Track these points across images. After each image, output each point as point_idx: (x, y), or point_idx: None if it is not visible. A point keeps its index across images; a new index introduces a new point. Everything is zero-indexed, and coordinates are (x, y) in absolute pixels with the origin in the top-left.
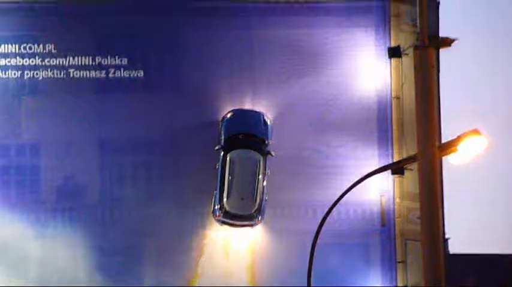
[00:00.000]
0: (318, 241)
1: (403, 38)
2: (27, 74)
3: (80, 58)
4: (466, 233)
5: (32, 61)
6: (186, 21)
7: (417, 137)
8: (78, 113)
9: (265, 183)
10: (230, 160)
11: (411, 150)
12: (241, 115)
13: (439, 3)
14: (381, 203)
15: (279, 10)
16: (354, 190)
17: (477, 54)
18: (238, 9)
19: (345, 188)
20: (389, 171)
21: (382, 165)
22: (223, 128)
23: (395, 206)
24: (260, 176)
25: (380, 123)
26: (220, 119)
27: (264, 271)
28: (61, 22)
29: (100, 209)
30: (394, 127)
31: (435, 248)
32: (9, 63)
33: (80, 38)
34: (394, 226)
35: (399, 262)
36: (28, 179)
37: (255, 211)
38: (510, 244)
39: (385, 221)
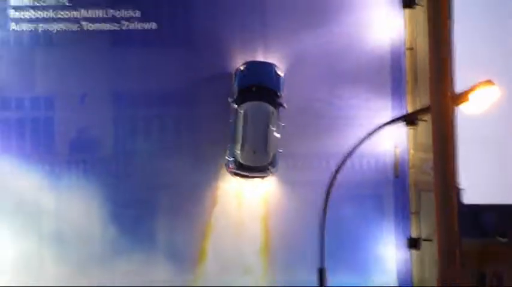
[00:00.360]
0: (331, 192)
1: None
2: (42, 27)
3: (93, 11)
4: (482, 183)
5: (46, 14)
6: None
7: (430, 88)
8: (91, 66)
9: (278, 135)
10: (243, 112)
11: (425, 101)
12: (253, 67)
13: None
14: (395, 154)
15: None
16: (367, 141)
17: (492, 3)
18: None
19: (358, 139)
20: (402, 122)
21: (396, 116)
22: (236, 80)
23: (409, 157)
24: (273, 128)
25: (393, 74)
26: (233, 71)
27: (277, 222)
28: None
29: (114, 161)
30: (408, 78)
31: (448, 199)
32: (23, 16)
33: None
34: (408, 177)
35: (413, 213)
36: (42, 131)
37: (268, 163)
38: None
39: (399, 172)
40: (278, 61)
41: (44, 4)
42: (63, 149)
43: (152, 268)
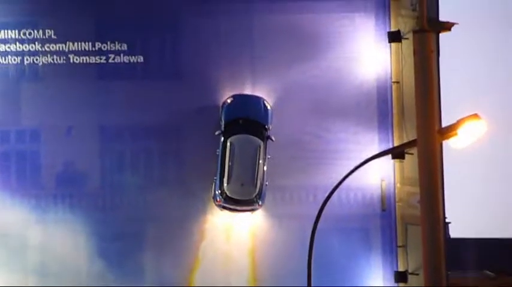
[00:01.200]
0: (319, 226)
1: (403, 23)
2: (27, 59)
3: (79, 44)
4: (467, 218)
5: (32, 47)
6: (186, 7)
7: (417, 121)
8: (78, 99)
9: (265, 168)
10: (230, 144)
11: (411, 135)
12: (241, 100)
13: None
14: (381, 188)
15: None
16: (354, 174)
17: (478, 37)
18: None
19: (346, 173)
20: (389, 155)
21: (383, 150)
22: (223, 113)
23: (396, 191)
24: (260, 161)
25: (380, 108)
26: (221, 104)
27: (265, 255)
28: (61, 7)
29: (100, 195)
30: (394, 112)
31: (435, 233)
32: (8, 49)
33: (80, 24)
34: (395, 211)
35: (400, 246)
36: (28, 165)
37: (255, 196)
38: None
39: (386, 206)
40: (266, 94)
41: (30, 37)
42: (49, 183)
43: None
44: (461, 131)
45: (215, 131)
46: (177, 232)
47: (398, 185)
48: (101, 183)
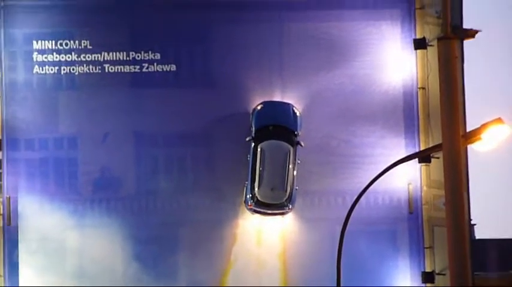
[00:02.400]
0: (347, 228)
1: (428, 30)
2: (64, 69)
3: (114, 54)
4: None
5: (69, 57)
6: (217, 16)
7: (442, 126)
8: (113, 106)
9: (295, 173)
10: (261, 150)
11: (437, 139)
12: (271, 107)
13: (462, 16)
14: (408, 191)
15: (308, 4)
16: (381, 178)
17: (503, 43)
18: (268, 3)
19: (373, 177)
20: (416, 159)
21: (409, 154)
22: (253, 119)
23: (422, 194)
24: (290, 166)
25: (406, 113)
26: (251, 111)
27: (295, 258)
28: (96, 18)
29: (135, 199)
30: (420, 117)
31: (461, 234)
32: (46, 60)
33: (114, 34)
34: (422, 213)
35: (427, 248)
36: (66, 171)
37: (285, 200)
38: None
39: (413, 208)
40: (295, 101)
41: (67, 48)
42: (86, 188)
43: None
44: (485, 135)
45: (246, 137)
46: (210, 236)
47: (424, 188)
48: (136, 188)
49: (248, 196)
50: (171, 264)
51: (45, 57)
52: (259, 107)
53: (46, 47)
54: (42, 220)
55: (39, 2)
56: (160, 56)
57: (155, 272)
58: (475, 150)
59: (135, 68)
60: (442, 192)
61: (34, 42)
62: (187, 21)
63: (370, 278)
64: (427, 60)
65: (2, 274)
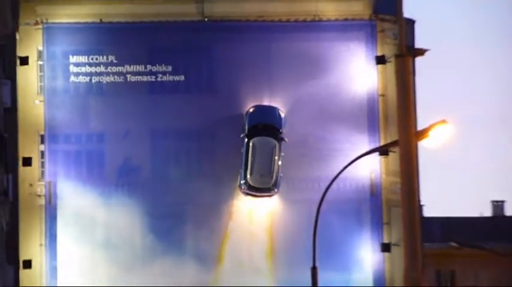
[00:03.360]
0: (322, 208)
1: (387, 49)
2: (94, 79)
3: (134, 66)
4: (438, 201)
5: (98, 69)
6: (218, 37)
7: (398, 126)
8: (133, 109)
9: (280, 163)
10: (252, 145)
11: (394, 136)
12: (260, 110)
13: (414, 21)
14: (371, 178)
15: (291, 27)
16: (349, 167)
17: (449, 59)
18: (259, 27)
19: (342, 166)
20: (377, 153)
21: (371, 148)
22: (246, 119)
23: (382, 180)
24: (276, 157)
25: (369, 115)
26: (245, 113)
27: (280, 232)
28: (120, 38)
29: (151, 184)
30: (381, 118)
31: (412, 213)
32: (80, 71)
33: (135, 51)
34: (381, 196)
35: (385, 223)
36: (95, 160)
37: (272, 185)
38: (473, 208)
39: (374, 192)
40: (281, 105)
41: (97, 61)
42: (111, 174)
43: (181, 268)
44: (432, 133)
45: (240, 134)
46: (211, 213)
47: (384, 176)
48: (152, 174)
49: (242, 182)
50: (180, 236)
51: (79, 69)
52: (251, 110)
53: (80, 61)
54: (76, 200)
55: (74, 24)
56: (172, 68)
57: (167, 242)
58: (425, 145)
59: (151, 78)
60: (398, 179)
61: (70, 56)
62: (194, 41)
63: (339, 247)
64: (386, 73)
65: (43, 243)
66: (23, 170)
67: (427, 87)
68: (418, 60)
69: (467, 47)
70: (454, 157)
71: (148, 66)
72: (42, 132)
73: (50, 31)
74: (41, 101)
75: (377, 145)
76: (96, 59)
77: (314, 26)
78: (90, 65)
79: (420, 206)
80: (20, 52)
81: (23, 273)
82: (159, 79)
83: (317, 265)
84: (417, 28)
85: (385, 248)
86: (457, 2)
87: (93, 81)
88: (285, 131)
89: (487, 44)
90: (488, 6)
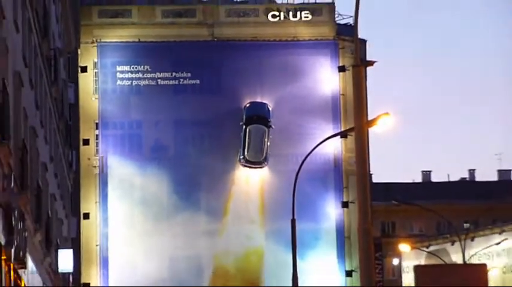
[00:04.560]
0: (299, 176)
1: (346, 61)
2: (134, 82)
3: (163, 73)
4: (381, 170)
5: (136, 75)
6: (224, 52)
7: (354, 116)
8: (162, 104)
9: (268, 143)
10: (248, 130)
11: (351, 124)
12: (254, 105)
13: (366, 41)
14: (334, 154)
15: (276, 45)
16: (319, 147)
17: (393, 68)
18: (253, 45)
19: (314, 146)
20: (339, 136)
21: (335, 133)
22: (244, 112)
23: (342, 156)
24: (265, 139)
25: (333, 109)
26: (243, 107)
27: (268, 193)
28: (153, 53)
29: (175, 159)
30: (342, 111)
31: (364, 180)
32: (124, 76)
33: (163, 62)
34: (342, 167)
35: (345, 187)
36: (135, 141)
37: (262, 159)
38: (408, 176)
39: (337, 164)
40: (269, 102)
41: (136, 70)
42: (146, 152)
43: (197, 219)
44: (379, 122)
45: (239, 123)
46: (218, 180)
47: (343, 153)
48: (175, 152)
49: (241, 157)
50: (196, 196)
51: (123, 75)
52: (247, 105)
53: (124, 69)
54: (121, 170)
55: (120, 43)
56: (191, 75)
57: (186, 201)
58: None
59: (175, 82)
60: (353, 155)
61: (117, 66)
62: (207, 55)
63: (312, 204)
64: (346, 78)
65: (98, 200)
66: (83, 148)
67: (377, 88)
68: (370, 68)
69: (407, 59)
70: (394, 138)
71: (173, 73)
72: (97, 121)
73: (102, 48)
74: (96, 99)
75: (339, 131)
76: (136, 68)
77: (293, 44)
78: (131, 72)
79: (370, 175)
80: (81, 63)
81: (83, 223)
82: (181, 83)
83: (295, 217)
84: (368, 46)
85: (344, 205)
86: (398, 25)
87: (133, 84)
88: (272, 120)
89: (423, 56)
90: (425, 26)
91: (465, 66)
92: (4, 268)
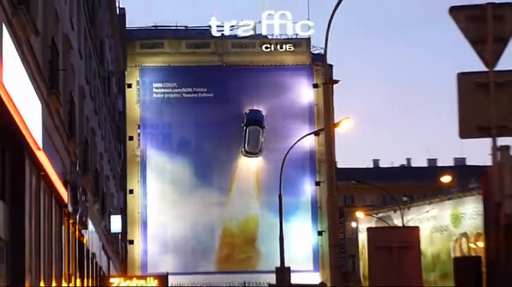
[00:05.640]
0: (284, 162)
1: (318, 80)
2: (165, 95)
3: (186, 89)
4: (344, 159)
5: (167, 90)
6: (230, 74)
7: (324, 120)
8: (185, 111)
9: (262, 139)
10: (248, 130)
11: (322, 126)
12: (252, 112)
13: (332, 65)
14: (309, 147)
15: (268, 69)
16: (299, 141)
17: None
18: (251, 68)
19: (295, 141)
20: (313, 134)
21: (310, 132)
22: (245, 117)
23: (316, 147)
24: (260, 137)
25: (309, 114)
26: (244, 113)
27: (262, 175)
28: (178, 74)
29: (195, 152)
30: (315, 116)
31: (331, 165)
32: (158, 91)
33: (187, 80)
34: (315, 155)
35: (317, 171)
36: (166, 138)
37: (258, 151)
38: (361, 162)
39: (311, 154)
40: (263, 109)
41: (166, 86)
42: (174, 146)
43: (210, 194)
44: (342, 124)
45: (241, 124)
46: (225, 166)
47: (316, 146)
48: (195, 146)
49: (242, 149)
50: (209, 178)
51: (158, 90)
52: (247, 112)
53: (158, 86)
54: (156, 158)
55: (155, 67)
56: (206, 90)
57: (203, 181)
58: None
59: (195, 95)
60: (323, 147)
61: (153, 83)
62: (217, 76)
63: (293, 183)
64: (318, 92)
65: (139, 180)
66: (129, 143)
67: (342, 98)
68: (336, 86)
69: (367, 78)
70: (353, 134)
71: (194, 89)
72: (139, 123)
73: (143, 70)
74: (138, 107)
75: (313, 130)
76: (166, 85)
77: (280, 68)
78: (163, 88)
79: (335, 162)
80: (127, 81)
81: (128, 196)
82: (199, 96)
83: (282, 193)
84: (334, 69)
85: (317, 184)
86: (359, 52)
87: (165, 96)
88: (265, 123)
89: (376, 75)
90: (378, 51)
91: (410, 81)
92: (71, 229)
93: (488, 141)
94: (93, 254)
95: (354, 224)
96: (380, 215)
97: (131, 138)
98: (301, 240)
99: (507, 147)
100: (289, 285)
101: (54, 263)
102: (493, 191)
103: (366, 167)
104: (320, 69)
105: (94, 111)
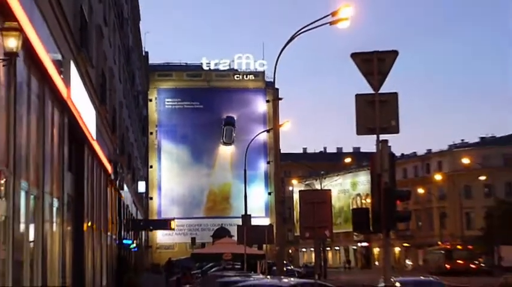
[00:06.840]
0: (248, 150)
1: (270, 97)
2: (173, 106)
3: (186, 103)
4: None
5: (174, 103)
6: (215, 93)
7: (273, 122)
8: (186, 117)
9: (234, 135)
10: (225, 128)
11: (271, 126)
12: (228, 117)
13: (278, 88)
14: (263, 140)
15: (237, 91)
16: (257, 136)
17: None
18: (229, 90)
19: (254, 136)
20: (266, 132)
21: (264, 130)
22: (223, 120)
23: (267, 140)
24: (233, 133)
25: (263, 120)
26: (223, 118)
27: (235, 158)
28: (182, 94)
29: (192, 141)
30: (267, 120)
31: (277, 151)
32: (169, 104)
33: (186, 96)
34: (267, 145)
35: (268, 154)
36: (176, 134)
37: (232, 142)
38: (296, 149)
39: (265, 144)
40: (235, 116)
41: (177, 101)
42: (179, 138)
43: (202, 169)
44: (284, 125)
45: (221, 125)
46: (212, 151)
47: (268, 139)
48: (192, 138)
49: (221, 141)
50: (201, 158)
51: (168, 103)
52: (225, 117)
53: (169, 101)
54: (167, 146)
55: (167, 89)
56: (199, 103)
57: (197, 161)
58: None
59: (192, 106)
60: (273, 140)
61: (166, 99)
62: (206, 95)
63: (253, 162)
64: (270, 105)
65: (156, 160)
66: (150, 136)
67: (286, 113)
68: (281, 102)
69: (301, 95)
70: (292, 132)
71: (191, 102)
72: (156, 124)
73: (159, 91)
74: (156, 114)
75: (266, 129)
76: (174, 100)
77: (245, 90)
78: (172, 102)
79: (279, 149)
80: (149, 97)
81: (150, 170)
82: (194, 107)
83: (246, 168)
84: (280, 90)
85: (268, 163)
86: (298, 76)
87: (173, 107)
88: (236, 124)
89: (329, 93)
90: (326, 73)
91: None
92: (113, 191)
93: (374, 137)
94: (127, 206)
95: (290, 188)
96: (307, 182)
97: (151, 133)
98: (258, 197)
99: (386, 141)
100: (250, 225)
101: (103, 212)
102: (376, 167)
103: (298, 152)
104: (270, 91)
105: (128, 116)
